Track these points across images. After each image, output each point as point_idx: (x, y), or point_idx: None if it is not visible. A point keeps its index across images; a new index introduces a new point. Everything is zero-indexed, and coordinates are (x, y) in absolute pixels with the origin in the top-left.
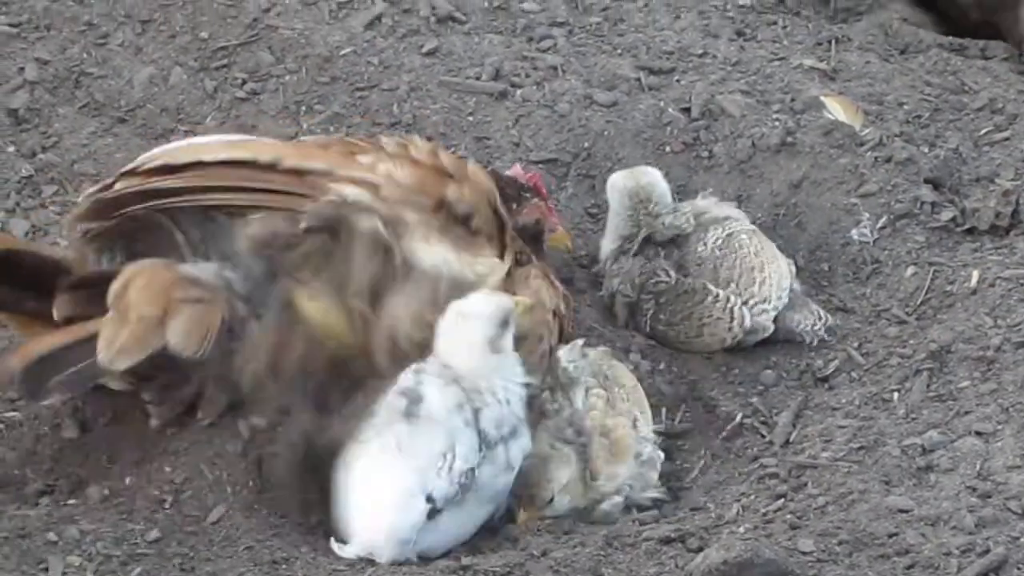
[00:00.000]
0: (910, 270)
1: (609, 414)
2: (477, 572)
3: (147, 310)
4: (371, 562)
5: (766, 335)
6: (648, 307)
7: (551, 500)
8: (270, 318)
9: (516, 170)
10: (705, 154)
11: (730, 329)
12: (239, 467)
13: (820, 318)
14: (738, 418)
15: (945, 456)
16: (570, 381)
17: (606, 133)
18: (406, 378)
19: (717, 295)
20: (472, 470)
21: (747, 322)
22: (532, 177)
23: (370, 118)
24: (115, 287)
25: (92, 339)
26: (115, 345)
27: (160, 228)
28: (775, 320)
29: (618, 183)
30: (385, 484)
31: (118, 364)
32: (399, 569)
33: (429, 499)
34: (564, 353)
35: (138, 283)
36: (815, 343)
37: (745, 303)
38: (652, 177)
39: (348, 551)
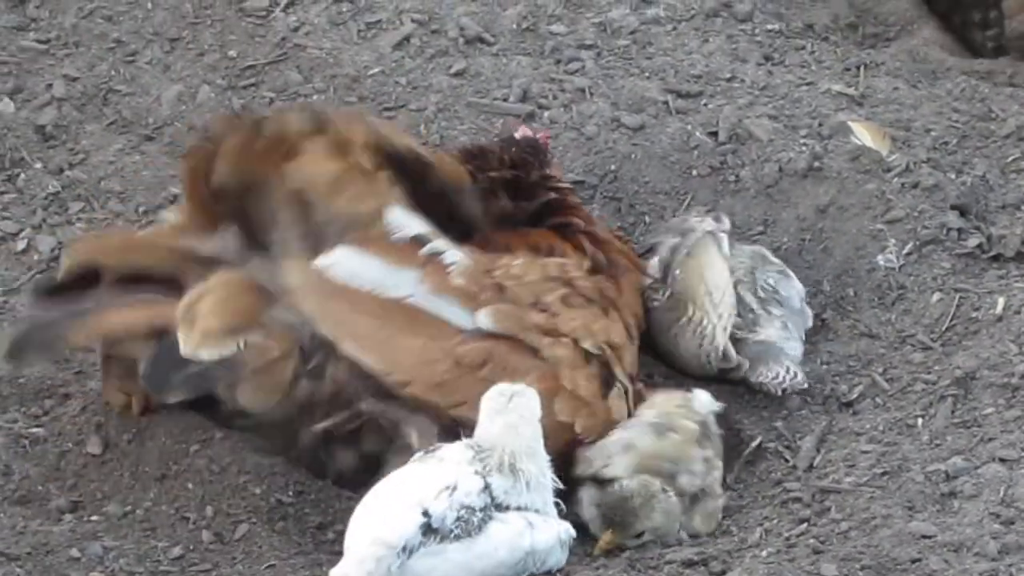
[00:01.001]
0: (936, 296)
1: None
2: None
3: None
4: None
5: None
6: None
7: (640, 535)
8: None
9: (524, 131)
10: (732, 178)
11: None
12: (263, 483)
13: (788, 372)
14: (757, 441)
15: (969, 482)
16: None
17: (633, 156)
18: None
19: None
20: (473, 510)
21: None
22: (542, 136)
23: None
24: None
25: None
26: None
27: None
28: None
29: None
30: (383, 497)
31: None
32: None
33: (425, 514)
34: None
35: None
36: (789, 392)
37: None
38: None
39: (337, 568)
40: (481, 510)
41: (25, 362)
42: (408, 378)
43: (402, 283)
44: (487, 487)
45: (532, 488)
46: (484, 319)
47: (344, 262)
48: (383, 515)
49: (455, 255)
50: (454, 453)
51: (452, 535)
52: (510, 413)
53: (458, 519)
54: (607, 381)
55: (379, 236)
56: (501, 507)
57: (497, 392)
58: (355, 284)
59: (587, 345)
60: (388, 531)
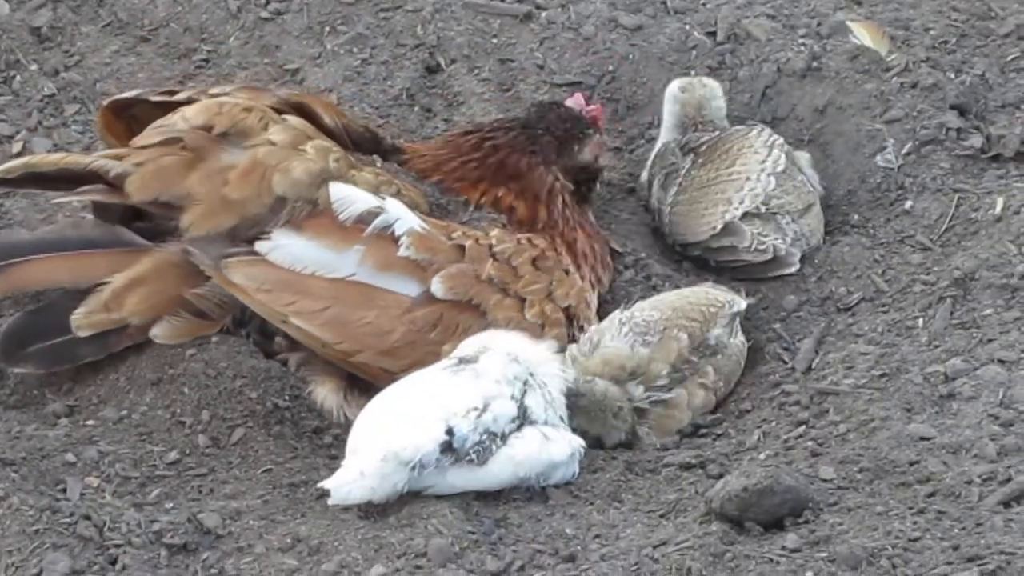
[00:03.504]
0: (935, 197)
1: None
2: (497, 498)
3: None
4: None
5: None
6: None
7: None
8: None
9: (578, 99)
10: (730, 78)
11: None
12: (259, 388)
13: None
14: (749, 343)
15: (968, 384)
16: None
17: (631, 56)
18: (467, 348)
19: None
20: (495, 436)
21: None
22: (594, 110)
23: None
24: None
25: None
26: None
27: None
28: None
29: (672, 92)
30: (401, 404)
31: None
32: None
33: (449, 432)
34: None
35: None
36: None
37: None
38: (708, 90)
39: (335, 477)
40: (502, 437)
41: None
42: (358, 347)
43: (343, 264)
44: (523, 408)
45: (549, 403)
46: (436, 286)
47: (283, 246)
48: (399, 425)
49: (406, 224)
50: (494, 368)
51: (466, 458)
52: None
53: (478, 443)
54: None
55: (317, 217)
56: (527, 423)
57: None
58: (298, 268)
59: (543, 308)
60: (404, 444)
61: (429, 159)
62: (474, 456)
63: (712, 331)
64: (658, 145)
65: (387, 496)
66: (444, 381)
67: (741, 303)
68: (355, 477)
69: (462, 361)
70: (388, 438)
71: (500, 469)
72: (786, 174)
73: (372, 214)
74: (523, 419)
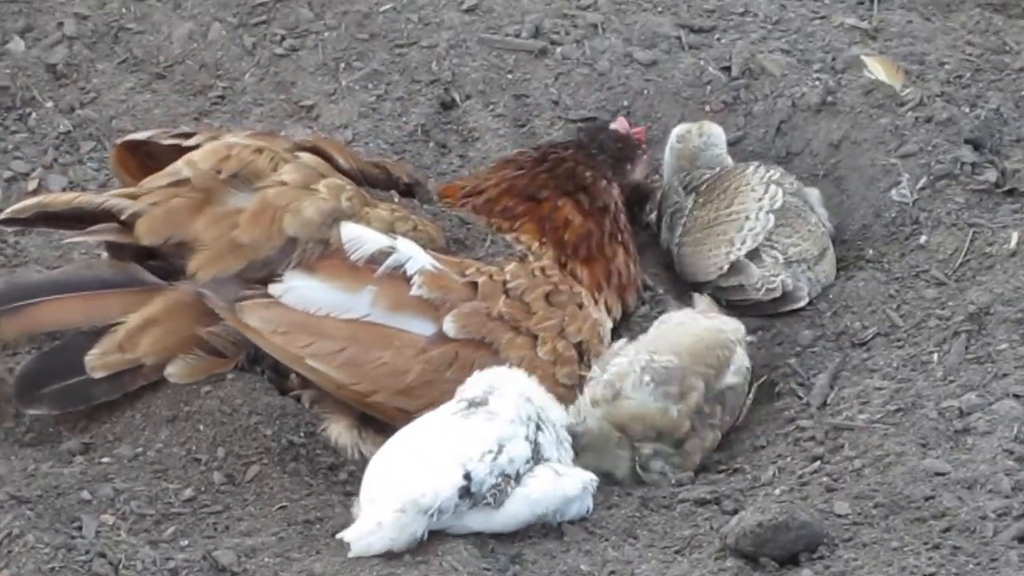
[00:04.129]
0: (949, 231)
1: None
2: (512, 534)
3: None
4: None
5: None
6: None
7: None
8: None
9: (622, 123)
10: (745, 113)
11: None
12: (274, 424)
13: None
14: (762, 379)
15: (983, 419)
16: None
17: (645, 92)
18: (473, 388)
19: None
20: (510, 478)
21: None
22: (639, 132)
23: None
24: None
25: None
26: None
27: None
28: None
29: (671, 140)
30: (415, 451)
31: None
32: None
33: (467, 476)
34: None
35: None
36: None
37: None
38: (705, 140)
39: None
40: (516, 478)
41: None
42: (375, 387)
43: (357, 304)
44: (536, 447)
45: (561, 441)
46: (448, 325)
47: (296, 288)
48: (416, 471)
49: (418, 263)
50: (507, 409)
51: (483, 502)
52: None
53: (494, 485)
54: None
55: (329, 258)
56: (539, 462)
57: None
58: (312, 310)
59: (555, 345)
60: (422, 492)
61: (490, 182)
62: (491, 499)
63: (724, 379)
64: (664, 184)
65: (407, 545)
66: (457, 424)
67: (741, 329)
68: (373, 528)
69: (472, 404)
70: (405, 486)
71: (516, 510)
72: (799, 216)
73: (384, 254)
74: (536, 458)
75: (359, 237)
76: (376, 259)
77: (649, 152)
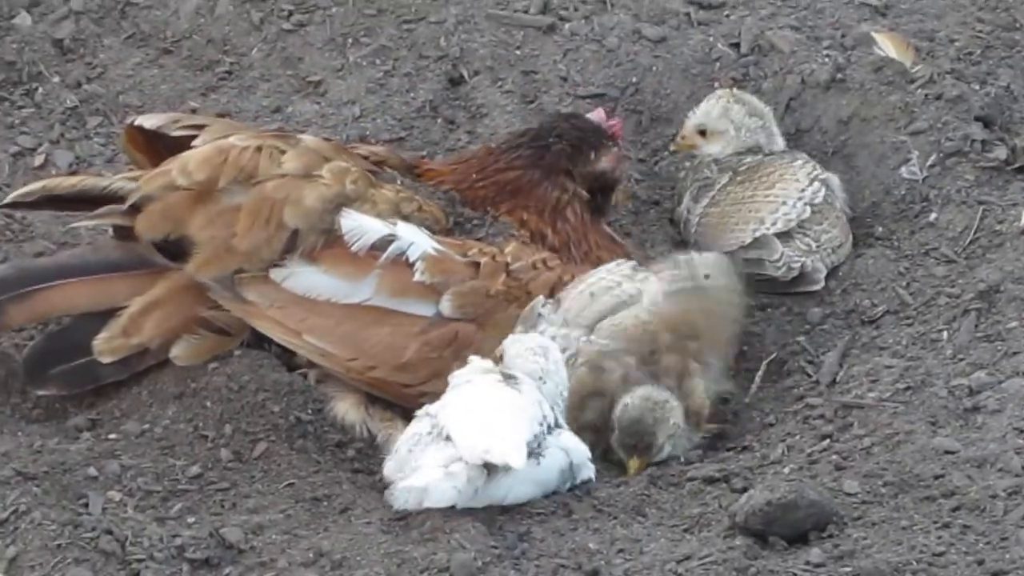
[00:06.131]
0: (959, 209)
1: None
2: (520, 512)
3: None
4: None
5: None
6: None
7: (661, 448)
8: None
9: (599, 114)
10: (754, 90)
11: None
12: (282, 401)
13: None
14: (771, 356)
15: (992, 397)
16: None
17: (654, 68)
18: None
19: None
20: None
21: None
22: (615, 125)
23: None
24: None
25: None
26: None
27: None
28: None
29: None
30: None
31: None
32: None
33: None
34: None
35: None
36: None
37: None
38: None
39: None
40: (546, 436)
41: None
42: (374, 363)
43: (359, 292)
44: (555, 412)
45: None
46: (446, 305)
47: (297, 274)
48: (505, 432)
49: (420, 248)
50: (527, 384)
51: (532, 456)
52: (545, 362)
53: (538, 443)
54: None
55: (331, 247)
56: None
57: (528, 348)
58: (312, 295)
59: None
60: (514, 452)
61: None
62: (536, 454)
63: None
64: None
65: (469, 499)
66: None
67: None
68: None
69: (507, 376)
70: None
71: (553, 461)
72: (828, 204)
73: (386, 241)
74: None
75: (359, 227)
76: (378, 247)
77: (621, 146)
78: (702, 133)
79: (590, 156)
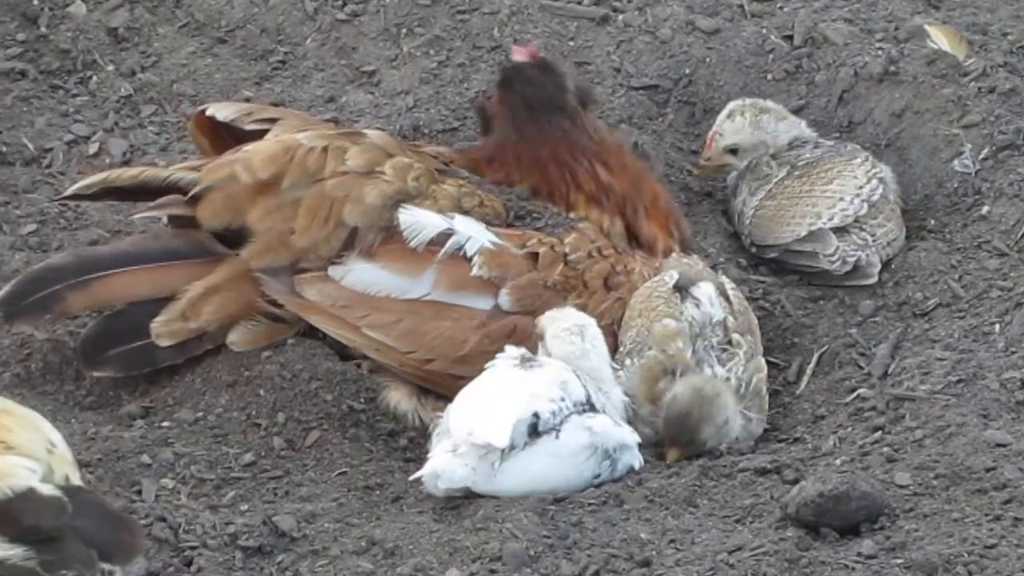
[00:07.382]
0: (1012, 202)
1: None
2: (572, 502)
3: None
4: (464, 490)
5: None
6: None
7: (704, 443)
8: None
9: (519, 52)
10: (807, 83)
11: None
12: (335, 390)
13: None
14: (823, 349)
15: None
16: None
17: (707, 60)
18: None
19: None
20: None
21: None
22: (531, 49)
23: None
24: None
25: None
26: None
27: None
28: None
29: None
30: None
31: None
32: (490, 500)
33: (535, 415)
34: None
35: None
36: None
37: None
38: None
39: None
40: (567, 417)
41: (17, 323)
42: (432, 355)
43: (417, 287)
44: (586, 391)
45: (610, 400)
46: (504, 299)
47: (356, 271)
48: (490, 414)
49: (478, 242)
50: (548, 364)
51: (550, 431)
52: (582, 342)
53: (555, 419)
54: None
55: (389, 243)
56: (594, 408)
57: (564, 329)
58: (372, 292)
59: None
60: (496, 431)
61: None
62: (556, 425)
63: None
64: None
65: (484, 481)
66: (520, 375)
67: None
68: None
69: (524, 359)
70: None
71: (574, 437)
72: (884, 198)
73: (444, 236)
74: (590, 404)
75: (417, 223)
76: (436, 242)
77: (533, 45)
78: (732, 152)
79: (565, 83)
